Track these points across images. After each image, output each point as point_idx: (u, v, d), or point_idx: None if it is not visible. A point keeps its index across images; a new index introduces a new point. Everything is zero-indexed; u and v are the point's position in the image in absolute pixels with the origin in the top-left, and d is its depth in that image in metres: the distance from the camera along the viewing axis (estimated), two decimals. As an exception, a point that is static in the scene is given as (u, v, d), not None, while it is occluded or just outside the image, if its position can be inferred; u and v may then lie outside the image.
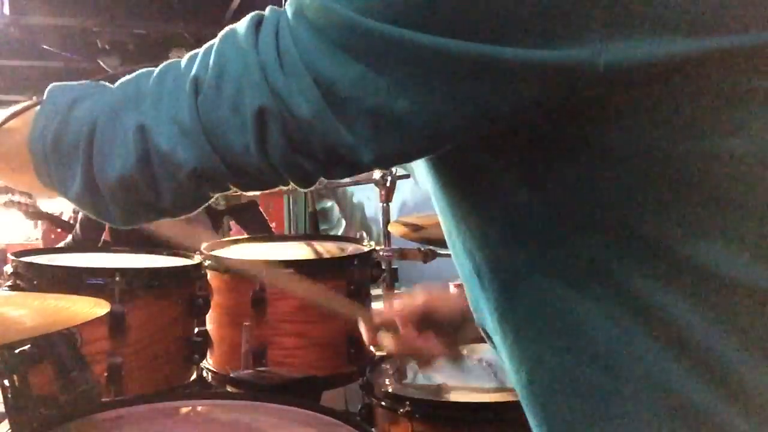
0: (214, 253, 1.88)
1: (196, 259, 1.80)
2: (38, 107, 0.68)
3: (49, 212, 4.26)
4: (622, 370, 0.59)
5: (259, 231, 2.82)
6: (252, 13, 0.61)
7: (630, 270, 0.57)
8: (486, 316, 0.71)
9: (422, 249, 2.00)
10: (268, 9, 0.60)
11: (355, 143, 0.56)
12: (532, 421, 0.69)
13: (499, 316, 0.67)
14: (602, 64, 0.51)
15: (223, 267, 1.80)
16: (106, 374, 1.49)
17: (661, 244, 0.56)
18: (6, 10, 4.90)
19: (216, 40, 0.62)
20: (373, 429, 1.36)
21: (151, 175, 0.62)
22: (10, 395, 1.07)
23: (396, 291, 2.10)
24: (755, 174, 0.54)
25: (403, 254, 2.02)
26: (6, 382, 1.07)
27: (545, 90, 0.54)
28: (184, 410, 1.23)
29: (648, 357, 0.58)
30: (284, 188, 0.65)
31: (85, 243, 2.59)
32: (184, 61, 0.63)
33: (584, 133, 0.56)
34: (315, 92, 0.55)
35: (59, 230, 3.76)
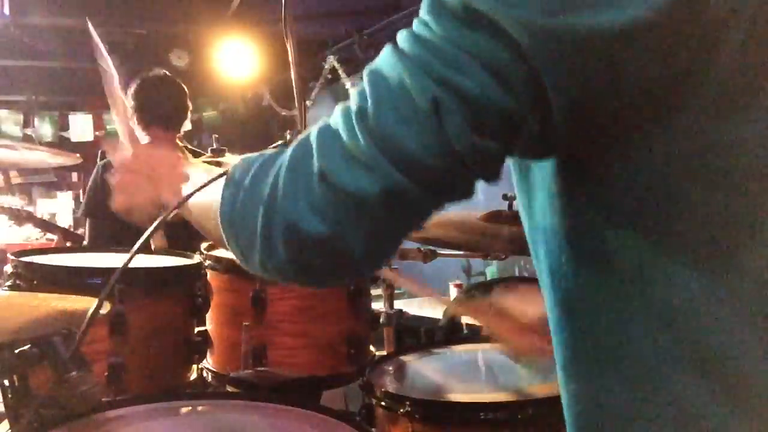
0: (214, 253, 1.88)
1: (196, 259, 1.80)
2: (225, 178, 0.72)
3: (40, 217, 4.25)
4: (651, 393, 0.61)
5: None
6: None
7: (680, 289, 0.58)
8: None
9: (422, 249, 1.99)
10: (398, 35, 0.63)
11: (520, 110, 0.58)
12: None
13: (553, 322, 0.70)
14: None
15: (223, 267, 1.80)
16: (106, 374, 1.49)
17: (714, 260, 0.58)
18: (6, 10, 4.90)
19: (364, 78, 0.63)
20: (373, 429, 1.36)
21: (339, 222, 0.61)
22: (10, 395, 1.07)
23: (396, 291, 2.10)
24: None
25: (403, 254, 2.02)
26: (6, 382, 1.07)
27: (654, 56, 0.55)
28: (184, 410, 1.23)
29: (679, 382, 0.59)
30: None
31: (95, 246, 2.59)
32: (336, 111, 0.65)
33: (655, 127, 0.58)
34: (476, 68, 0.57)
35: (50, 235, 3.74)
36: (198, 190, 0.75)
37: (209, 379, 1.78)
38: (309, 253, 0.63)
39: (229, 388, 1.72)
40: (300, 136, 0.67)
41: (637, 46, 0.54)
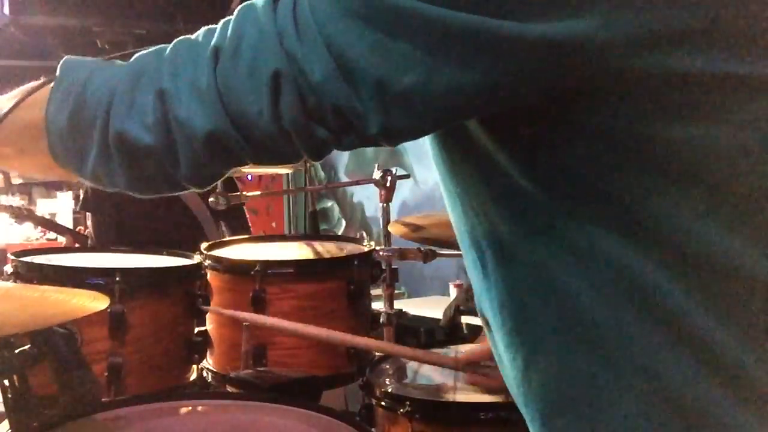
0: (214, 253, 1.87)
1: (196, 259, 1.80)
2: (53, 83, 0.68)
3: (41, 216, 4.23)
4: (617, 360, 0.60)
5: (242, 234, 2.83)
6: None
7: (628, 254, 0.58)
8: (486, 304, 0.71)
9: (422, 249, 1.99)
10: None
11: (363, 111, 0.58)
12: (524, 410, 0.69)
13: (499, 303, 0.68)
14: (599, 39, 0.52)
15: (223, 267, 1.80)
16: (106, 374, 1.49)
17: (658, 227, 0.57)
18: (6, 10, 4.89)
19: (234, 14, 0.63)
20: (373, 429, 1.36)
21: (170, 141, 0.62)
22: (10, 395, 1.07)
23: (396, 291, 2.10)
24: (741, 163, 0.55)
25: (403, 254, 2.02)
26: (6, 382, 1.07)
27: (544, 65, 0.55)
28: (184, 410, 1.23)
29: (645, 347, 0.59)
30: (294, 165, 0.65)
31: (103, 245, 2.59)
32: (200, 33, 0.65)
33: (575, 112, 0.57)
34: (328, 57, 0.57)
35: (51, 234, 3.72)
36: (17, 104, 0.68)
37: (209, 379, 1.78)
38: (138, 164, 0.64)
39: (229, 388, 1.72)
40: (154, 49, 0.66)
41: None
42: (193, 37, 0.65)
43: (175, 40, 0.65)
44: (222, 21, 0.64)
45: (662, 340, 0.58)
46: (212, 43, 0.62)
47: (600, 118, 0.56)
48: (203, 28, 0.65)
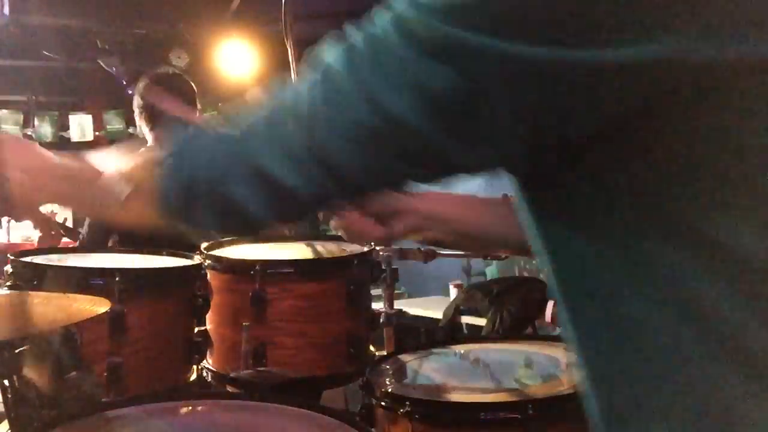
0: (214, 253, 1.87)
1: (196, 259, 1.80)
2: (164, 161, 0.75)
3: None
4: (667, 372, 0.60)
5: None
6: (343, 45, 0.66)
7: (684, 269, 0.58)
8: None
9: (422, 249, 1.99)
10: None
11: (451, 150, 0.60)
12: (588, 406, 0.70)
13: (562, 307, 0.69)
14: (674, 61, 0.53)
15: (223, 267, 1.80)
16: (106, 374, 1.49)
17: (722, 246, 0.57)
18: (6, 10, 4.90)
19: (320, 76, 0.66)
20: (373, 429, 1.36)
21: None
22: (10, 395, 1.07)
23: (396, 291, 2.10)
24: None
25: (403, 254, 2.02)
26: (6, 382, 1.07)
27: (614, 89, 0.55)
28: (184, 410, 1.23)
29: (701, 366, 0.58)
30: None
31: (92, 245, 2.58)
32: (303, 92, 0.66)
33: (636, 136, 0.58)
34: (419, 105, 0.58)
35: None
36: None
37: (209, 379, 1.78)
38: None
39: (229, 388, 1.72)
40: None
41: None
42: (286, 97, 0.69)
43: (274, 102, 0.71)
44: (306, 82, 0.66)
45: (718, 360, 0.57)
46: (308, 103, 0.65)
47: (662, 137, 0.57)
48: (293, 82, 0.72)
